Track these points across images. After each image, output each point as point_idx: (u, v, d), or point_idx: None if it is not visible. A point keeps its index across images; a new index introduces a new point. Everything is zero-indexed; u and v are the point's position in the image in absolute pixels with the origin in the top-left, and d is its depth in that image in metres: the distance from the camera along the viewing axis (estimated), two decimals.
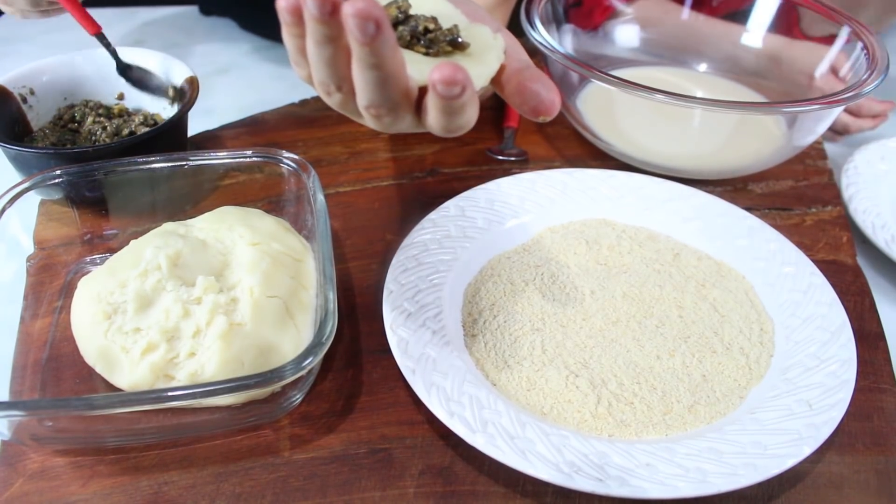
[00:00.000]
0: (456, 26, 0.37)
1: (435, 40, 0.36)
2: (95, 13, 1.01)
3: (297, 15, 0.31)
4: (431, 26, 0.36)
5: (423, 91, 0.34)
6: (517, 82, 0.36)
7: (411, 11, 0.37)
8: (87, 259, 0.54)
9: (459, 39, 0.36)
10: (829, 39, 0.68)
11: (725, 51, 0.76)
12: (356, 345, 0.50)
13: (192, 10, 1.02)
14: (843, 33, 0.66)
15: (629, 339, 0.48)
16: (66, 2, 0.62)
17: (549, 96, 0.35)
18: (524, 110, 0.36)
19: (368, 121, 0.35)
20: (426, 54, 0.36)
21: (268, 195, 0.56)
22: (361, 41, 0.29)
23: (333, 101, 0.36)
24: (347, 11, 0.28)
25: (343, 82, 0.33)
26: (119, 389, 0.43)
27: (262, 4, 0.91)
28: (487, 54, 0.37)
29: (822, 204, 0.64)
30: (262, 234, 0.48)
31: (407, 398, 0.46)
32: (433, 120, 0.34)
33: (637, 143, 0.64)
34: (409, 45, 0.36)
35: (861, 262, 0.58)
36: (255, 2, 0.93)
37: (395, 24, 0.36)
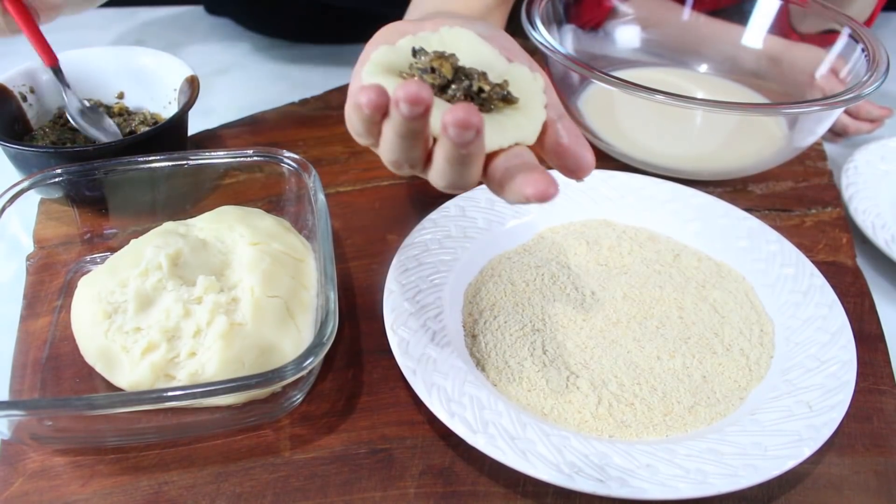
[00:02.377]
0: (506, 81, 0.36)
1: (489, 100, 0.35)
2: (96, 13, 1.01)
3: (382, 111, 0.31)
4: (486, 87, 0.35)
5: None
6: (555, 141, 0.35)
7: (454, 57, 0.36)
8: (87, 258, 0.54)
9: (510, 94, 0.36)
10: (829, 39, 0.68)
11: (726, 51, 0.76)
12: (357, 345, 0.50)
13: (193, 9, 1.02)
14: (843, 34, 0.66)
15: (629, 339, 0.48)
16: (27, 28, 0.57)
17: (588, 158, 0.34)
18: (562, 170, 0.35)
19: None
20: (480, 110, 0.35)
21: (268, 195, 0.56)
22: (458, 145, 0.30)
23: (400, 171, 0.35)
24: (448, 120, 0.29)
25: (417, 162, 0.34)
26: (119, 389, 0.43)
27: (268, 3, 0.92)
28: (533, 104, 0.36)
29: (821, 205, 0.64)
30: (262, 233, 0.48)
31: (407, 398, 0.46)
32: (439, 174, 0.33)
33: (637, 143, 0.64)
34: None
35: (861, 262, 0.58)
36: (261, 1, 0.93)
37: (447, 83, 0.35)
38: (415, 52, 0.36)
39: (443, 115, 0.30)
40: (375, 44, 0.40)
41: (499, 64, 0.38)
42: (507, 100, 0.36)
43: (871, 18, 0.80)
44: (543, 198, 0.30)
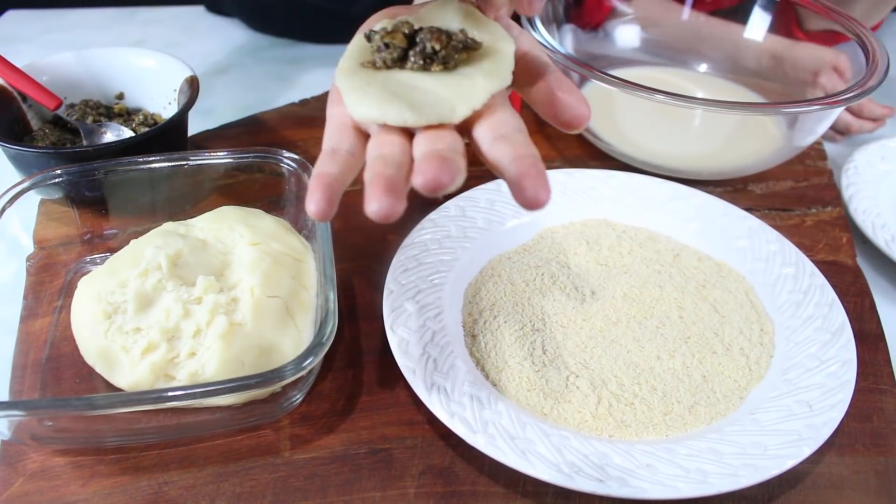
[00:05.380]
0: (463, 30, 0.35)
1: (449, 56, 0.34)
2: (96, 13, 1.01)
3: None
4: (438, 45, 0.34)
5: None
6: (547, 91, 0.34)
7: (416, 25, 0.36)
8: (87, 259, 0.54)
9: (471, 41, 0.35)
10: (829, 38, 0.68)
11: (726, 51, 0.76)
12: (356, 345, 0.50)
13: (193, 9, 1.02)
14: (844, 33, 0.66)
15: (629, 339, 0.48)
16: (23, 81, 0.59)
17: (581, 109, 0.34)
18: (555, 122, 0.34)
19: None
20: (444, 69, 0.34)
21: (268, 195, 0.56)
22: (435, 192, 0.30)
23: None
24: (418, 183, 0.29)
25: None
26: (119, 389, 0.43)
27: (269, 3, 0.92)
28: (501, 46, 0.35)
29: (822, 204, 0.64)
30: (262, 233, 0.48)
31: (407, 398, 0.46)
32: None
33: (637, 143, 0.64)
34: (424, 68, 0.34)
35: (861, 262, 0.58)
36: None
37: (405, 52, 0.35)
38: (367, 37, 0.36)
39: (413, 178, 0.30)
40: (359, 31, 0.40)
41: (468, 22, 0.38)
42: (470, 47, 0.35)
43: (877, 24, 0.80)
44: (434, 188, 0.29)
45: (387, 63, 0.35)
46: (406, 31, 0.35)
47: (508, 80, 0.34)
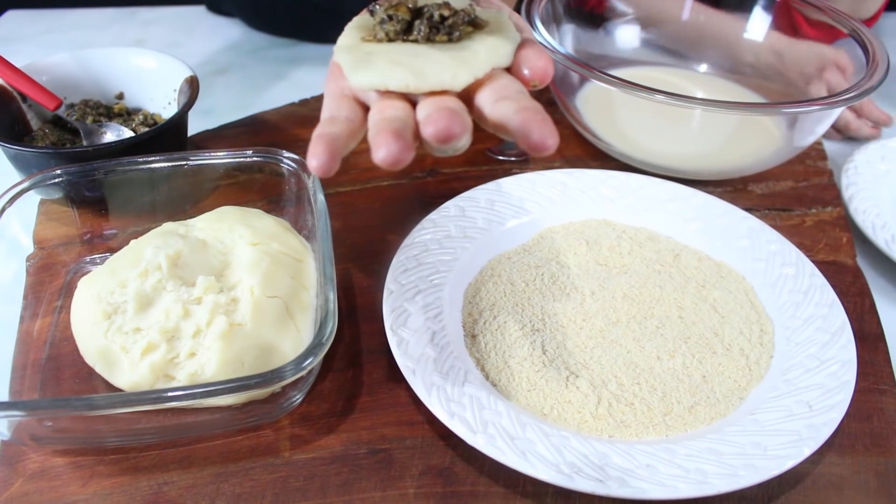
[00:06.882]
0: (471, 4, 0.36)
1: (455, 26, 0.35)
2: (96, 13, 1.01)
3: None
4: (447, 13, 0.35)
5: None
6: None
7: (420, 3, 0.36)
8: (87, 259, 0.54)
9: (477, 17, 0.35)
10: (830, 36, 0.68)
11: (727, 48, 0.76)
12: (356, 345, 0.50)
13: (193, 9, 1.02)
14: (844, 33, 0.66)
15: (629, 339, 0.48)
16: (24, 82, 0.59)
17: (539, 62, 0.34)
18: (516, 74, 0.35)
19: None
20: (449, 41, 0.35)
21: (268, 195, 0.56)
22: (443, 145, 0.31)
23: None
24: (429, 134, 0.30)
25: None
26: (119, 389, 0.43)
27: (270, 2, 0.92)
28: (505, 26, 0.36)
29: (822, 205, 0.64)
30: (262, 234, 0.48)
31: (407, 399, 0.46)
32: (427, 144, 0.33)
33: (637, 143, 0.64)
34: (429, 38, 0.35)
35: (861, 262, 0.58)
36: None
37: (410, 22, 0.35)
38: (371, 11, 0.36)
39: (422, 128, 0.30)
40: (361, 13, 0.40)
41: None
42: (476, 24, 0.36)
43: (874, 18, 0.80)
44: (446, 138, 0.30)
45: (389, 35, 0.35)
46: (410, 4, 0.36)
47: (509, 60, 0.35)
